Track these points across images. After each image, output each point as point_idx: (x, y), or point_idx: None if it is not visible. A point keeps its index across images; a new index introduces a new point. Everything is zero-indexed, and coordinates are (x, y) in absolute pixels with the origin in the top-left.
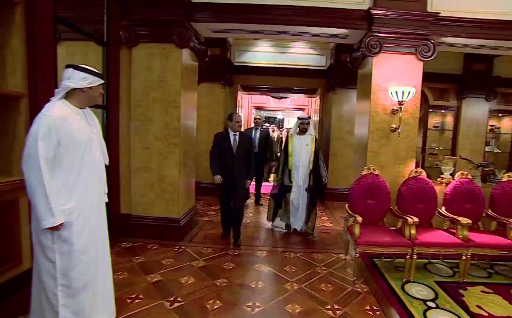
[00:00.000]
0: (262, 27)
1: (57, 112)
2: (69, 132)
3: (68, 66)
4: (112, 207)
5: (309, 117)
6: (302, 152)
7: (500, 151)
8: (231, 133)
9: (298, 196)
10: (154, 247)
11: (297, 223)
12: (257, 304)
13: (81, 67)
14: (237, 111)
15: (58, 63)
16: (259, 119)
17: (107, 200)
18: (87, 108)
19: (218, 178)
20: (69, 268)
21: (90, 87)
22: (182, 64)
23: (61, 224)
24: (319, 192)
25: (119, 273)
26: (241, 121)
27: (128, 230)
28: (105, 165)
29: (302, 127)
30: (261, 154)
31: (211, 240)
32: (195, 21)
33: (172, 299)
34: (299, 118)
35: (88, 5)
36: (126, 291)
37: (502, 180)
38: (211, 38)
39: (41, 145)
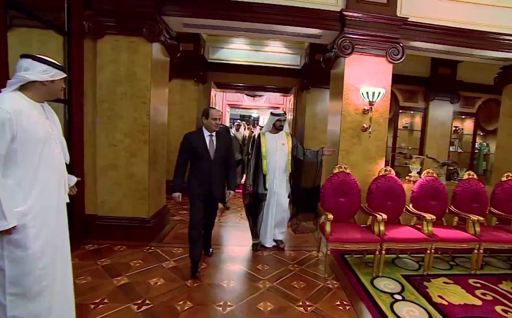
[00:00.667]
0: (234, 24)
1: (11, 105)
2: (26, 127)
3: (25, 56)
4: (76, 207)
5: (285, 113)
6: (278, 153)
7: (462, 151)
8: (207, 134)
9: (273, 206)
10: (121, 249)
11: (267, 238)
12: (228, 303)
13: (42, 58)
14: None
15: (9, 52)
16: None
17: (68, 201)
18: (45, 102)
19: (177, 197)
20: (22, 275)
21: (52, 81)
22: (152, 59)
23: (13, 227)
24: (310, 200)
25: (82, 277)
26: (219, 118)
27: (93, 232)
28: (66, 164)
29: (279, 124)
30: None
31: (183, 240)
32: (166, 15)
33: (139, 302)
34: (273, 114)
35: None
36: (89, 296)
37: (463, 178)
38: (184, 33)
39: None
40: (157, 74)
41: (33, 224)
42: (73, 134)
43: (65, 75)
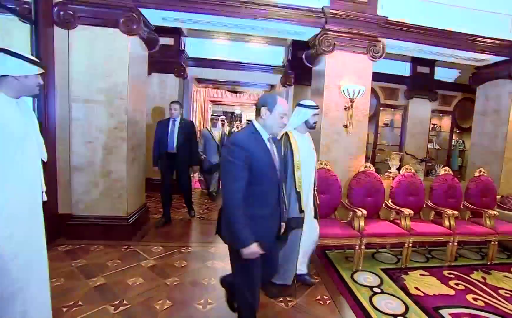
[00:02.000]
0: (214, 19)
1: None
2: (0, 125)
3: None
4: (48, 207)
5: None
6: (308, 161)
7: (440, 148)
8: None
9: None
10: (98, 249)
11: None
12: (209, 301)
13: (16, 53)
14: (191, 105)
15: None
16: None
17: (45, 199)
18: (21, 97)
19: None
20: None
21: (26, 76)
22: (130, 53)
23: None
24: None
25: (55, 279)
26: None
27: (67, 232)
28: (42, 162)
29: (314, 121)
30: (182, 155)
31: (163, 238)
32: (144, 7)
33: (117, 302)
34: (306, 106)
35: None
36: (61, 299)
37: (440, 174)
38: (164, 27)
39: None
40: (135, 68)
41: (6, 224)
42: (45, 130)
43: (41, 71)
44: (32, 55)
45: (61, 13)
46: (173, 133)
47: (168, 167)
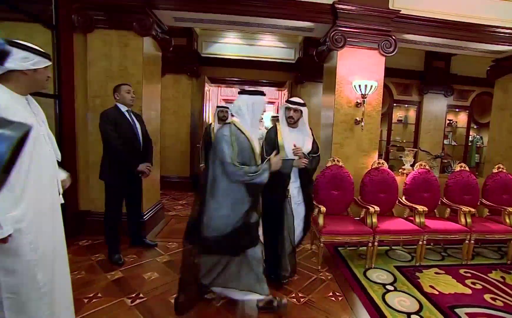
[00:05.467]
0: (226, 17)
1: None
2: None
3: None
4: (70, 204)
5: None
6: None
7: (456, 144)
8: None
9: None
10: None
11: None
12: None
13: (21, 44)
14: (205, 104)
15: None
16: None
17: (62, 201)
18: (28, 95)
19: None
20: (18, 285)
21: (34, 69)
22: (144, 54)
23: (9, 236)
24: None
25: (76, 272)
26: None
27: (87, 228)
28: (58, 161)
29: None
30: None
31: (177, 234)
32: (157, 8)
33: (133, 295)
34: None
35: None
36: (83, 291)
37: (455, 170)
38: (177, 27)
39: None
40: (149, 69)
41: (29, 230)
42: (65, 130)
43: (49, 63)
44: (52, 58)
45: (80, 18)
46: None
47: None
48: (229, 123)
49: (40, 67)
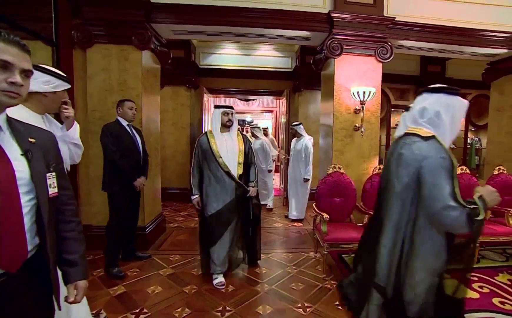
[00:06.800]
0: (224, 29)
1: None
2: None
3: None
4: None
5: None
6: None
7: (455, 147)
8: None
9: None
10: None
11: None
12: (227, 308)
13: (44, 68)
14: (204, 114)
15: None
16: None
17: None
18: (46, 114)
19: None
20: None
21: (54, 92)
22: (143, 67)
23: None
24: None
25: None
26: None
27: (88, 242)
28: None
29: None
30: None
31: (180, 246)
32: (155, 22)
33: (137, 311)
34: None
35: (33, 2)
36: None
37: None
38: (174, 40)
39: None
40: (148, 81)
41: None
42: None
43: (68, 86)
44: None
45: (79, 34)
46: None
47: None
48: (429, 137)
49: (59, 90)
